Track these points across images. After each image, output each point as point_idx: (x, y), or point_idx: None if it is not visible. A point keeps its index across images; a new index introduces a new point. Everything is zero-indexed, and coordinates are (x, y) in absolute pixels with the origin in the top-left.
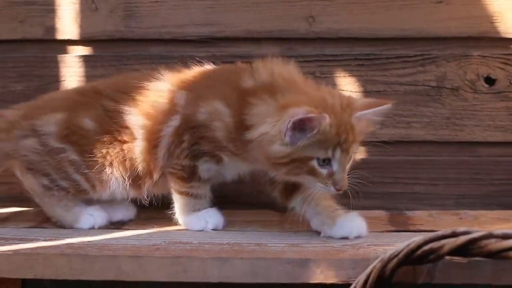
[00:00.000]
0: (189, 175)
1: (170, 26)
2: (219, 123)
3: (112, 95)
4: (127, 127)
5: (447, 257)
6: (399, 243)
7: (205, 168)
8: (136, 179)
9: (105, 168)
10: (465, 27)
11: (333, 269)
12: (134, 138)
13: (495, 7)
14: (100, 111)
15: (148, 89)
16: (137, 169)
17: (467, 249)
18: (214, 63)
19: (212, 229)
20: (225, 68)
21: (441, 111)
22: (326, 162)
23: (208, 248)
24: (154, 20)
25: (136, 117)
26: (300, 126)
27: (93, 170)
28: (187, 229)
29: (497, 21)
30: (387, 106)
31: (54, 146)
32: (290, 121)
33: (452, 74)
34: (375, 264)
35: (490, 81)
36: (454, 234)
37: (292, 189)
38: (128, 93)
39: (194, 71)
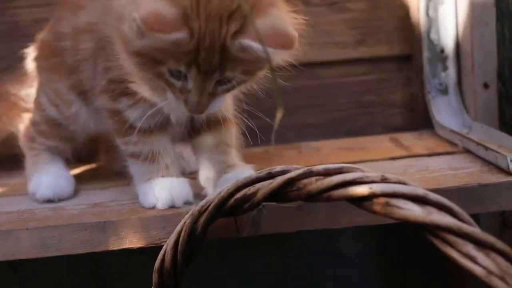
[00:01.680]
0: (120, 124)
1: None
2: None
3: None
4: None
5: (273, 203)
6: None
7: (135, 114)
8: None
9: None
10: None
11: (139, 231)
12: None
13: None
14: None
15: None
16: None
17: (286, 192)
18: None
19: (167, 208)
20: None
21: None
22: (182, 76)
23: None
24: None
25: None
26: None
27: None
28: None
29: None
30: (285, 51)
31: None
32: (135, 18)
33: None
34: (185, 220)
35: None
36: (270, 175)
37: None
38: None
39: None
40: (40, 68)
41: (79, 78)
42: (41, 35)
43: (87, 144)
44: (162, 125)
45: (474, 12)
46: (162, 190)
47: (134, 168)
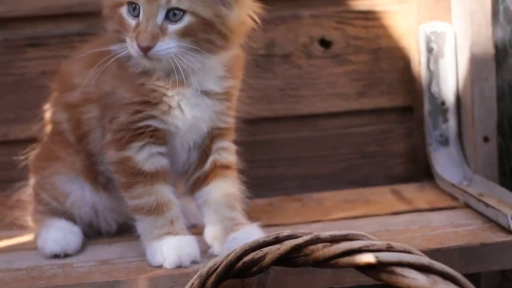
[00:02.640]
0: (126, 175)
1: None
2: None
3: None
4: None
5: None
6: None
7: (144, 155)
8: None
9: None
10: None
11: None
12: None
13: None
14: None
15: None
16: None
17: (293, 257)
18: (8, 48)
19: (174, 267)
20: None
21: (274, 82)
22: (136, 11)
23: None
24: None
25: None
26: None
27: None
28: None
29: None
30: None
31: None
32: None
33: (282, 39)
34: (194, 281)
35: (325, 43)
36: (277, 240)
37: (202, 181)
38: None
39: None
40: (38, 168)
41: (87, 148)
42: (34, 151)
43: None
44: (165, 171)
45: (474, 67)
46: (170, 250)
47: (141, 225)
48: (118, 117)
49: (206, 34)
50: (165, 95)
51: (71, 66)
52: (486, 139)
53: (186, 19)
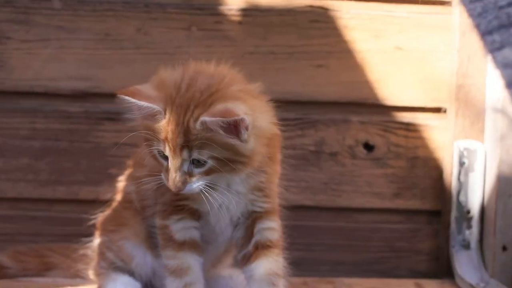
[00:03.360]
0: (163, 238)
1: (42, 79)
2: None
3: None
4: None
5: None
6: None
7: (179, 226)
8: None
9: None
10: (344, 92)
11: None
12: None
13: (375, 74)
14: None
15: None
16: None
17: None
18: (88, 119)
19: None
20: None
21: (319, 176)
22: (165, 157)
23: None
24: (26, 72)
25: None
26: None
27: None
28: None
29: (377, 87)
30: (234, 118)
31: None
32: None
33: (331, 139)
34: None
35: (368, 147)
36: None
37: (247, 259)
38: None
39: None
40: (106, 230)
41: (146, 217)
42: (103, 214)
43: None
44: (194, 242)
45: (500, 184)
46: None
47: (166, 282)
48: (165, 194)
49: (227, 167)
50: None
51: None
52: (504, 248)
53: (208, 164)
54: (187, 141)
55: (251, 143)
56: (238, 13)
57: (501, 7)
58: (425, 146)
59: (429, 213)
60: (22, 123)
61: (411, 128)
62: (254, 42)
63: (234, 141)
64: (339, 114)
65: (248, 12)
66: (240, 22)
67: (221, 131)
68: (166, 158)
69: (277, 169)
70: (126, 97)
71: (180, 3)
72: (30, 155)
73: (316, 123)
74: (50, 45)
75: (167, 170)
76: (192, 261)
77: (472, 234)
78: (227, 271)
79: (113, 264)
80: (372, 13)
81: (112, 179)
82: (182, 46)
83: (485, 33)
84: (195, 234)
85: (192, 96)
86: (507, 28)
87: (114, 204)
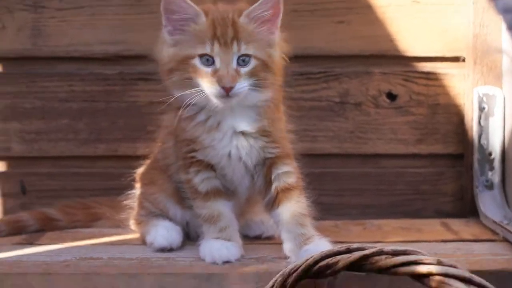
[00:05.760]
0: (190, 191)
1: (77, 45)
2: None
3: None
4: None
5: (347, 272)
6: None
7: (200, 178)
8: None
9: None
10: (366, 45)
11: (237, 283)
12: None
13: (394, 27)
14: None
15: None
16: None
17: (361, 264)
18: (122, 80)
19: (210, 262)
20: None
21: (345, 125)
22: (210, 60)
23: (117, 264)
24: (62, 39)
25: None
26: (168, 8)
27: None
28: (97, 243)
29: (396, 40)
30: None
31: None
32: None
33: (355, 90)
34: (277, 278)
35: (391, 96)
36: (348, 250)
37: (271, 204)
38: None
39: None
40: (143, 184)
41: (170, 175)
42: (142, 167)
43: None
44: (218, 190)
45: None
46: (209, 249)
47: (202, 228)
48: (182, 148)
49: (263, 73)
50: (199, 137)
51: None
52: None
53: (252, 62)
54: (236, 34)
55: (277, 52)
56: None
57: None
58: (445, 94)
59: (452, 157)
60: (60, 87)
61: (431, 77)
62: None
63: (272, 34)
64: (362, 66)
65: None
66: None
67: (261, 24)
68: (208, 64)
69: (280, 117)
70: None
71: None
72: (69, 116)
73: (340, 75)
74: (83, 12)
75: (213, 74)
76: (221, 207)
77: (495, 175)
78: (259, 217)
79: (152, 212)
80: None
81: (148, 135)
82: None
83: None
84: (216, 183)
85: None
86: None
87: (148, 161)
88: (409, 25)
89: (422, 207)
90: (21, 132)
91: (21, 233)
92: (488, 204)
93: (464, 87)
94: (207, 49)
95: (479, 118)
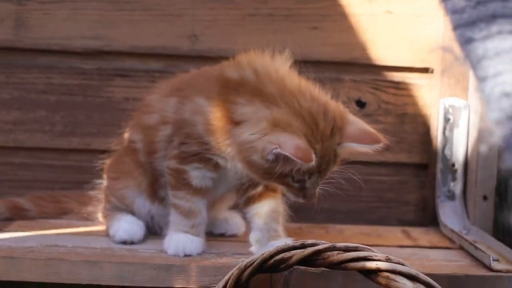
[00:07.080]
0: (177, 181)
1: (58, 38)
2: (200, 116)
3: None
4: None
5: (300, 267)
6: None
7: (198, 174)
8: None
9: None
10: (338, 52)
11: (195, 275)
12: None
13: (367, 35)
14: None
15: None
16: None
17: (313, 259)
18: (100, 75)
19: (173, 254)
20: (209, 67)
21: None
22: (302, 181)
23: (80, 252)
24: (44, 31)
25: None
26: (285, 158)
27: None
28: (63, 233)
29: (368, 48)
30: (377, 145)
31: None
32: (275, 150)
33: None
34: (233, 271)
35: (360, 104)
36: (303, 246)
37: (254, 199)
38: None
39: (182, 76)
40: (110, 177)
41: (152, 166)
42: (109, 160)
43: None
44: (208, 189)
45: (481, 138)
46: (175, 242)
47: (172, 218)
48: (188, 143)
49: None
50: None
51: (152, 95)
52: (485, 197)
53: None
54: (335, 164)
55: None
56: None
57: None
58: (413, 104)
59: (416, 166)
60: (39, 78)
61: (400, 86)
62: (255, 5)
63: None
64: (333, 73)
65: None
66: None
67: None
68: (299, 182)
69: None
70: (303, 163)
71: None
72: (47, 108)
73: (312, 81)
74: (65, 6)
75: (302, 189)
76: (202, 205)
77: (456, 185)
78: (223, 215)
79: (117, 207)
80: None
81: (122, 130)
82: (187, 8)
83: None
84: (209, 183)
85: (324, 125)
86: None
87: (118, 152)
88: (381, 35)
89: (385, 215)
90: None
91: None
92: (449, 214)
93: (431, 98)
94: (305, 177)
95: (444, 129)
